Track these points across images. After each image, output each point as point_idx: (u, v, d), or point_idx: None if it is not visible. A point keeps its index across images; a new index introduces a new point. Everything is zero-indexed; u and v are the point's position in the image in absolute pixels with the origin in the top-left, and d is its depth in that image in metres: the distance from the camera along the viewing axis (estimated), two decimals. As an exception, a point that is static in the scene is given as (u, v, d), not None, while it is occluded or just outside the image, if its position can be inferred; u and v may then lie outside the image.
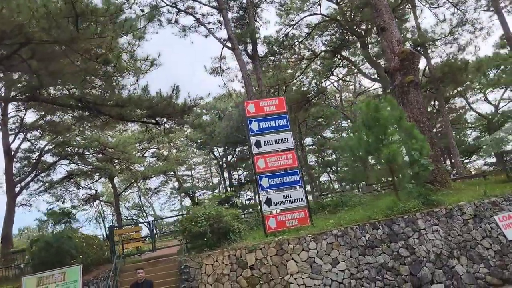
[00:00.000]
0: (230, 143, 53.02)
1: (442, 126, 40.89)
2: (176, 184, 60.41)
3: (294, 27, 33.68)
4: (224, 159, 59.92)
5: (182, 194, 63.24)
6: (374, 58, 33.81)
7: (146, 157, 46.22)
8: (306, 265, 10.96)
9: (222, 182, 60.44)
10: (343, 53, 35.97)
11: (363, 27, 33.10)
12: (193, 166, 64.29)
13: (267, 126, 13.68)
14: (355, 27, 33.09)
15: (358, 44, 34.07)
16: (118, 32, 10.90)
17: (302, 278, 10.79)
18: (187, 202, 65.08)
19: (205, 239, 11.53)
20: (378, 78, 33.09)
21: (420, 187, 12.38)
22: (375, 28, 32.20)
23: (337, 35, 34.94)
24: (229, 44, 24.25)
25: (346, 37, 34.68)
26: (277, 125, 13.74)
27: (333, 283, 10.71)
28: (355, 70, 40.46)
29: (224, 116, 47.13)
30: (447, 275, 10.76)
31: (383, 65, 26.06)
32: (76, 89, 17.19)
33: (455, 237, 11.37)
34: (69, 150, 34.95)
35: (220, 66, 31.08)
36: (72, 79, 13.99)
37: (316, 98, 36.87)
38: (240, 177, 61.15)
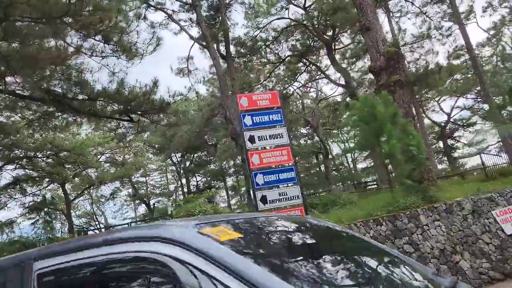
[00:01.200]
0: (189, 148, 51.82)
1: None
2: (130, 191, 58.04)
3: (262, 30, 33.48)
4: (182, 165, 58.45)
5: (137, 202, 60.89)
6: (340, 64, 34.37)
7: (101, 161, 43.94)
8: (311, 264, 10.43)
9: (180, 189, 58.87)
10: (309, 59, 36.23)
11: (330, 33, 33.47)
12: (148, 173, 62.00)
13: (260, 120, 13.07)
14: (321, 32, 33.41)
15: (325, 50, 34.45)
16: (120, 6, 9.89)
17: (308, 278, 10.24)
18: (141, 209, 62.68)
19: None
20: (344, 83, 33.52)
21: (417, 183, 12.27)
22: (347, 32, 32.84)
23: (304, 40, 35.14)
24: (203, 43, 23.48)
25: (313, 43, 34.99)
26: (271, 119, 13.16)
27: (340, 282, 10.24)
28: (317, 76, 40.95)
29: (186, 120, 45.87)
30: (452, 271, 10.64)
31: (366, 65, 26.14)
32: (43, 80, 15.76)
33: (456, 233, 11.32)
34: (18, 153, 32.48)
35: (187, 67, 30.16)
36: (46, 65, 12.68)
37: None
38: (198, 183, 59.87)
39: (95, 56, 13.96)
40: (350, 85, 31.86)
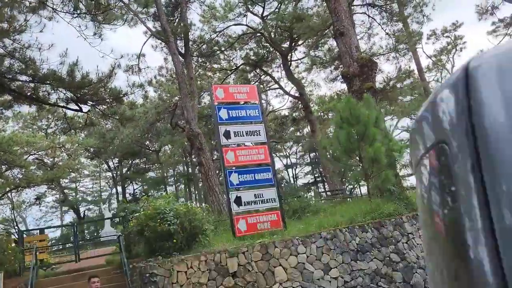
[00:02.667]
0: (128, 154, 48.93)
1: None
2: (57, 196, 53.43)
3: (218, 35, 32.46)
4: (118, 172, 55.06)
5: (65, 209, 56.20)
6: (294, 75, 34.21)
7: (29, 161, 39.85)
8: (296, 272, 9.39)
9: (114, 196, 55.26)
10: (264, 68, 35.74)
11: (287, 44, 33.23)
12: (79, 178, 57.47)
13: (237, 115, 11.98)
14: (278, 42, 33.07)
15: (280, 61, 34.14)
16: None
17: (293, 287, 9.18)
18: (68, 217, 57.96)
19: (174, 241, 9.25)
20: (298, 95, 33.30)
21: (399, 190, 11.77)
22: (306, 42, 32.65)
23: (259, 49, 34.60)
24: (162, 37, 21.96)
25: (267, 53, 34.57)
26: (248, 115, 12.13)
27: (327, 293, 9.31)
28: (268, 88, 40.57)
29: (128, 124, 43.04)
30: (438, 282, 10.09)
31: (340, 70, 25.67)
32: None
33: (440, 242, 10.87)
34: None
35: (138, 64, 28.21)
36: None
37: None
38: (135, 191, 56.69)
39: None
40: (303, 96, 31.65)
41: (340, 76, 20.05)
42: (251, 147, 11.85)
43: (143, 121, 38.46)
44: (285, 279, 9.22)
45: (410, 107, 33.60)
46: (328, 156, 12.78)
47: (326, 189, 25.37)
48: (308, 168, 60.57)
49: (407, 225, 10.89)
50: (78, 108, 16.12)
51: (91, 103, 16.19)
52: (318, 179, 56.29)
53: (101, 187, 60.44)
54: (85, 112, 16.29)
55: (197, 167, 43.11)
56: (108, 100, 15.92)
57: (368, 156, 11.50)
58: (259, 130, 12.10)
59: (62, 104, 16.20)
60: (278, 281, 9.17)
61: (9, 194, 43.41)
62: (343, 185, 23.75)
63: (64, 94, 15.51)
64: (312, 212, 13.55)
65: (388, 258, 10.14)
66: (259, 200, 11.39)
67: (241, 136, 11.83)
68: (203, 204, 20.30)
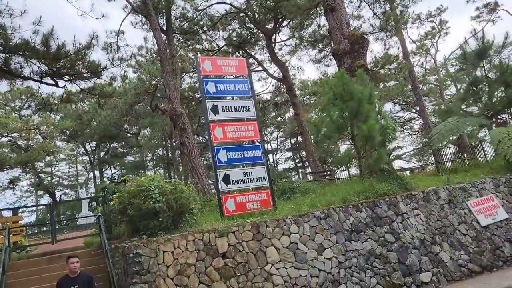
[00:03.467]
0: (106, 137, 47.58)
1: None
2: (31, 180, 51.74)
3: (201, 13, 31.38)
4: (95, 155, 53.57)
5: (40, 193, 54.48)
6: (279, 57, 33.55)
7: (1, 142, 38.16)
8: (288, 252, 8.92)
9: (92, 181, 53.80)
10: (247, 50, 34.91)
11: (271, 24, 32.44)
12: (55, 162, 55.61)
13: (225, 89, 11.33)
14: (262, 23, 32.27)
15: (264, 42, 33.39)
16: None
17: (286, 268, 8.71)
18: (44, 202, 56.34)
19: (160, 220, 8.63)
20: (281, 77, 32.70)
21: (391, 169, 11.40)
22: (291, 23, 31.89)
23: (243, 30, 33.73)
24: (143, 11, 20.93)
25: (251, 35, 33.74)
26: (237, 89, 11.49)
27: (321, 273, 8.87)
28: (254, 70, 39.78)
29: (105, 105, 41.64)
30: (433, 263, 9.83)
31: (329, 48, 25.04)
32: None
33: (435, 222, 10.59)
34: None
35: (117, 42, 27.02)
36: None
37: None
38: (113, 175, 55.39)
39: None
40: (287, 79, 31.09)
41: (329, 54, 19.49)
42: (240, 123, 11.23)
43: (122, 102, 37.19)
44: (277, 260, 8.75)
45: (393, 91, 33.46)
46: (318, 136, 12.23)
47: (311, 172, 24.99)
48: (289, 154, 60.40)
49: (402, 204, 10.54)
50: (53, 83, 15.13)
51: (67, 77, 15.24)
52: (298, 164, 56.20)
53: (78, 171, 58.77)
54: (61, 87, 15.30)
55: (178, 150, 42.26)
56: (86, 74, 14.99)
57: (362, 133, 11.07)
58: (248, 106, 11.51)
59: (36, 78, 15.19)
60: (270, 262, 8.68)
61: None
62: (325, 169, 23.39)
63: (39, 67, 14.52)
64: (301, 193, 13.09)
65: (382, 238, 9.78)
66: (248, 179, 10.84)
67: (229, 111, 11.21)
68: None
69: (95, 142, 50.59)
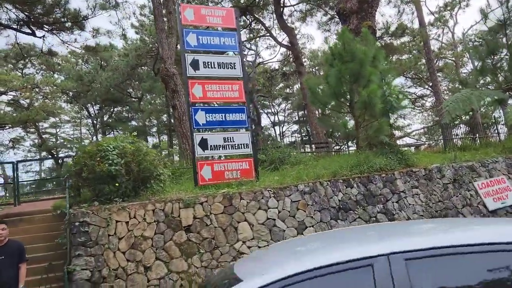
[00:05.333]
0: (109, 100, 46.55)
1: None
2: (37, 141, 51.24)
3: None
4: (99, 119, 52.75)
5: (44, 154, 54.13)
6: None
7: (1, 101, 37.34)
8: (264, 230, 7.80)
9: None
10: (255, 15, 33.13)
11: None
12: (60, 124, 54.98)
13: (208, 42, 9.99)
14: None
15: (272, 6, 31.56)
16: None
17: (259, 247, 7.62)
18: (48, 163, 56.11)
19: (117, 185, 7.52)
20: (289, 45, 31.01)
21: (393, 142, 10.12)
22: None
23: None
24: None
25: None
26: (222, 43, 10.14)
27: (299, 255, 7.76)
28: (259, 35, 38.05)
29: (107, 66, 40.40)
30: (430, 249, 8.65)
31: (335, 7, 23.44)
32: None
33: (436, 203, 9.35)
34: None
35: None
36: None
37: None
38: (116, 140, 54.56)
39: None
40: (295, 46, 29.41)
41: (336, 14, 17.86)
42: (223, 82, 9.94)
43: (123, 64, 35.99)
44: (250, 237, 7.64)
45: (406, 64, 31.62)
46: (314, 101, 10.92)
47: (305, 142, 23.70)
48: (296, 127, 59.01)
49: (400, 182, 9.30)
50: (30, 32, 13.88)
51: (47, 27, 13.98)
52: (305, 138, 54.84)
53: (82, 134, 58.15)
54: (39, 37, 14.06)
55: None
56: (67, 24, 13.70)
57: (361, 99, 9.73)
58: (234, 63, 10.18)
59: (14, 26, 13.95)
60: (241, 239, 7.59)
61: (-17, 135, 41.13)
62: (323, 141, 21.98)
63: (15, 14, 13.27)
64: (291, 164, 11.89)
65: (374, 218, 8.59)
66: (229, 145, 9.64)
67: (212, 67, 9.91)
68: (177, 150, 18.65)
69: (98, 105, 49.67)
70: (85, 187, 8.19)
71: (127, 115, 53.75)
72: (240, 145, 9.75)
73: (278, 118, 60.09)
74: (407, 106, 10.37)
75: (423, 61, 30.84)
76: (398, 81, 35.83)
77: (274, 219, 7.94)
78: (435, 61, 31.15)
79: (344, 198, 8.65)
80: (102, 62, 42.07)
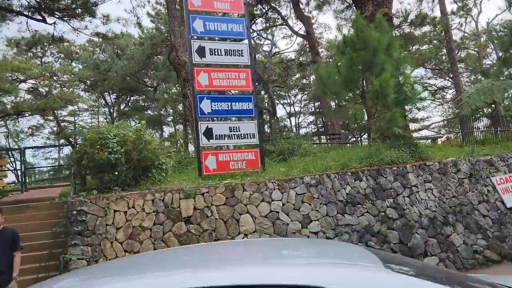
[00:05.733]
0: (125, 89, 46.72)
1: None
2: (55, 128, 51.85)
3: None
4: (116, 108, 53.12)
5: (62, 142, 54.83)
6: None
7: (20, 89, 37.78)
8: (267, 222, 7.53)
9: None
10: (271, 4, 32.60)
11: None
12: (78, 112, 55.59)
13: (216, 28, 9.69)
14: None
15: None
16: None
17: (261, 240, 7.36)
18: (66, 150, 56.81)
19: (116, 174, 7.35)
20: (305, 34, 30.42)
21: (407, 134, 9.69)
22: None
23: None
24: None
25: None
26: (230, 30, 9.84)
27: (303, 250, 7.48)
28: (274, 24, 37.45)
29: (123, 55, 40.48)
30: (442, 246, 8.27)
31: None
32: None
33: (450, 199, 8.92)
34: None
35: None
36: None
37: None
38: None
39: None
40: (311, 35, 28.81)
41: (352, 1, 17.30)
42: (230, 70, 9.65)
43: (139, 53, 36.01)
44: (252, 230, 7.39)
45: (426, 55, 30.69)
46: (325, 91, 10.54)
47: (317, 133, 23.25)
48: (311, 118, 58.33)
49: (412, 175, 8.89)
50: (41, 19, 13.80)
51: (58, 14, 13.88)
52: (321, 129, 54.21)
53: (100, 123, 58.65)
54: (50, 24, 13.97)
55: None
56: (77, 10, 13.57)
57: (373, 89, 9.31)
58: (242, 50, 9.87)
59: (26, 13, 13.89)
60: (243, 232, 7.34)
61: (5, 121, 41.73)
62: (335, 132, 21.40)
63: (27, 0, 13.20)
64: (301, 155, 11.58)
65: (383, 213, 8.23)
66: (234, 135, 9.37)
67: (218, 55, 9.63)
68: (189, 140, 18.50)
69: (115, 94, 49.97)
70: (87, 175, 8.04)
71: (143, 104, 53.95)
72: (246, 135, 9.48)
73: (294, 109, 59.52)
74: (424, 98, 9.88)
75: (444, 51, 29.88)
76: (418, 72, 34.94)
77: (278, 212, 7.66)
78: (456, 52, 30.14)
79: (352, 191, 8.31)
80: (118, 51, 42.19)
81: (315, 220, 7.79)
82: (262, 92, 44.68)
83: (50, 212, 9.12)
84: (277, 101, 52.66)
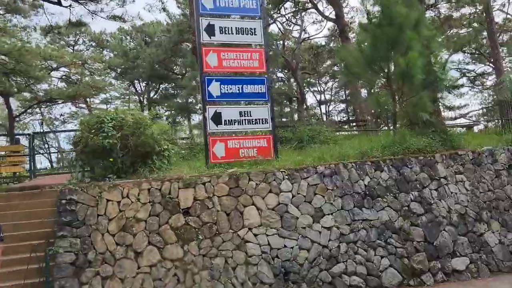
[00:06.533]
0: (155, 77, 46.77)
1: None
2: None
3: None
4: (146, 96, 53.45)
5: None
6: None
7: (53, 77, 38.40)
8: (274, 216, 6.84)
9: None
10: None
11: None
12: (110, 100, 56.22)
13: (226, 5, 8.96)
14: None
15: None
16: None
17: (267, 235, 6.69)
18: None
19: (111, 160, 6.83)
20: (334, 17, 29.14)
21: (437, 120, 8.72)
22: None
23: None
24: None
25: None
26: (242, 6, 9.08)
27: (313, 246, 6.76)
28: (306, 8, 36.12)
29: (151, 42, 40.39)
30: (474, 246, 7.35)
31: None
32: None
33: (485, 193, 7.94)
34: None
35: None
36: None
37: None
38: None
39: None
40: (341, 18, 27.50)
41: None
42: (241, 50, 8.92)
43: (166, 40, 35.80)
44: (257, 223, 6.72)
45: (465, 39, 28.80)
46: (346, 73, 9.67)
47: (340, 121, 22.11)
48: (342, 106, 56.77)
49: (441, 166, 7.94)
50: (56, 1, 13.48)
51: (72, -4, 13.54)
52: (352, 117, 52.65)
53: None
54: (66, 7, 13.65)
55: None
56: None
57: (399, 70, 8.37)
58: (254, 28, 9.10)
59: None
60: (247, 225, 6.68)
61: (40, 108, 42.60)
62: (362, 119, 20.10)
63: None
64: (321, 143, 10.78)
65: (406, 208, 7.37)
66: (245, 120, 8.67)
67: (229, 33, 8.91)
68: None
69: (145, 82, 50.19)
70: (85, 162, 7.58)
71: (173, 92, 53.96)
72: (258, 120, 8.76)
73: (324, 96, 58.09)
74: (456, 80, 8.83)
75: (485, 34, 27.91)
76: (456, 57, 32.99)
77: (287, 204, 6.95)
78: (498, 35, 28.08)
79: (372, 183, 7.47)
80: (146, 38, 42.18)
81: (328, 214, 7.03)
82: (291, 80, 43.73)
83: (53, 200, 8.77)
84: (306, 89, 51.52)
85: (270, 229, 6.72)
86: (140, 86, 53.25)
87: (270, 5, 32.40)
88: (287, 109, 50.83)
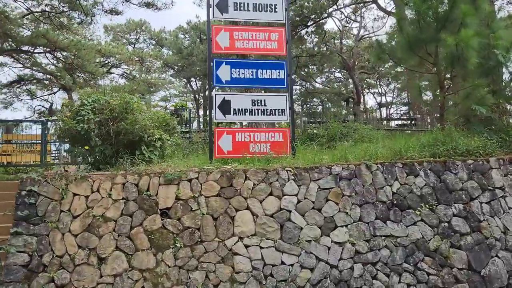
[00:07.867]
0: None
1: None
2: (146, 113, 54.11)
3: None
4: (201, 93, 53.71)
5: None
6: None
7: (112, 73, 39.50)
8: (272, 224, 5.54)
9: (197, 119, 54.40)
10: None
11: None
12: (169, 98, 57.38)
13: (242, -23, 7.80)
14: None
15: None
16: None
17: (261, 248, 5.42)
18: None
19: (87, 148, 5.91)
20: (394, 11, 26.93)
21: (495, 115, 6.94)
22: None
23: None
24: None
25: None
26: (260, -21, 7.87)
27: (318, 265, 5.39)
28: (366, 1, 33.89)
29: (205, 39, 40.16)
30: (537, 280, 5.57)
31: None
32: None
33: (556, 211, 6.10)
34: (8, 45, 28.27)
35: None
36: None
37: (314, 25, 30.09)
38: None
39: None
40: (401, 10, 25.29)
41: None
42: (258, 29, 7.72)
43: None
44: (250, 232, 5.47)
45: None
46: (382, 56, 8.11)
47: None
48: (405, 108, 53.45)
49: (496, 173, 6.21)
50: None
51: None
52: (414, 121, 49.33)
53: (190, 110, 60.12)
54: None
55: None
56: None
57: (448, 51, 6.73)
58: (275, 4, 7.86)
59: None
60: (237, 233, 5.46)
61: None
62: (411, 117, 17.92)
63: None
64: (355, 141, 9.29)
65: (446, 224, 5.75)
66: (258, 110, 7.43)
67: (244, 10, 7.74)
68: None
69: (200, 79, 50.45)
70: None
71: (230, 88, 53.76)
72: (273, 111, 7.48)
73: (386, 99, 55.13)
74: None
75: None
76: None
77: (290, 211, 5.63)
78: None
79: (402, 190, 5.93)
80: (202, 35, 42.14)
81: (341, 226, 5.61)
82: (350, 80, 41.59)
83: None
84: (366, 90, 49.10)
85: (265, 240, 5.45)
86: (196, 84, 53.68)
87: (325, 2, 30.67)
88: (344, 111, 48.55)
